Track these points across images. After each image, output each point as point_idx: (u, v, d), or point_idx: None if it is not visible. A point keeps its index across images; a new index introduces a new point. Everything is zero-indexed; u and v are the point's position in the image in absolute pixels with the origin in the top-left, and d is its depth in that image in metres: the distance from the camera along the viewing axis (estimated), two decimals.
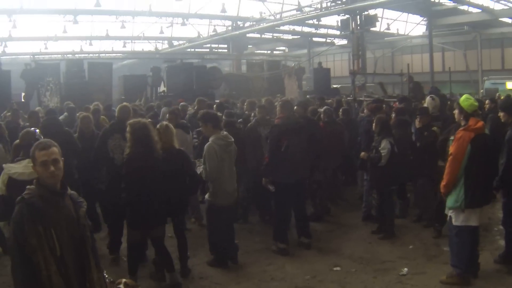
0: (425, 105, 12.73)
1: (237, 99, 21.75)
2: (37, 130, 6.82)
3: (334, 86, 33.63)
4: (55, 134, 9.38)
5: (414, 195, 11.67)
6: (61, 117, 13.85)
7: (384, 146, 9.86)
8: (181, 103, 16.12)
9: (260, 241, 10.10)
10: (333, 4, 34.31)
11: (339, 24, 37.06)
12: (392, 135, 10.15)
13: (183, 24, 42.00)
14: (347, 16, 33.36)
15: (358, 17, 32.64)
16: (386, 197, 10.29)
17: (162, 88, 29.09)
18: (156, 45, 51.53)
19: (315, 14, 37.25)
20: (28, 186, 4.22)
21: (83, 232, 4.30)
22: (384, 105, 13.58)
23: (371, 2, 31.77)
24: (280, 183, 9.31)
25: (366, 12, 32.89)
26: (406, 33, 48.12)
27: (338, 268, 8.64)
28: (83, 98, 21.70)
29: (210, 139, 8.45)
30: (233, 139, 8.70)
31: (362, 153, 10.54)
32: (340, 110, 13.92)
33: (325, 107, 13.26)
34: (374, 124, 10.32)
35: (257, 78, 33.23)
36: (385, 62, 48.81)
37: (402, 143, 10.48)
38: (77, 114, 12.55)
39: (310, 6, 38.42)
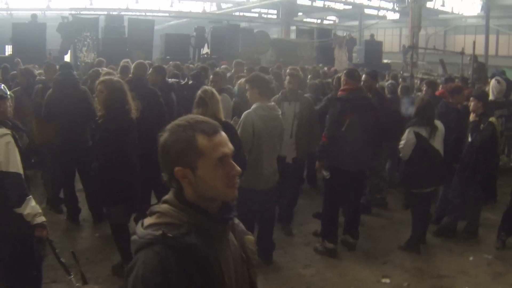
0: (490, 88, 11.05)
1: (284, 66, 20.36)
2: (3, 86, 5.36)
3: (385, 61, 31.89)
4: (70, 93, 8.22)
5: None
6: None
7: (404, 137, 7.97)
8: (223, 66, 14.72)
9: (297, 235, 8.71)
10: None
11: None
12: (429, 124, 7.94)
13: None
14: None
15: None
16: (412, 202, 8.49)
17: (205, 49, 27.80)
18: (204, 6, 50.12)
19: None
20: (157, 208, 2.31)
21: (254, 276, 2.58)
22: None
23: None
24: (337, 169, 7.75)
25: None
26: (460, 12, 45.76)
27: (387, 280, 7.16)
28: (121, 55, 20.47)
29: (252, 107, 7.01)
30: (280, 113, 7.27)
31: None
32: (399, 87, 12.27)
33: (389, 81, 11.79)
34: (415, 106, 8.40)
35: (306, 46, 31.54)
36: (437, 40, 46.44)
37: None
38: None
39: None
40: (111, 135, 6.48)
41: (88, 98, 8.58)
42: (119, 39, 24.75)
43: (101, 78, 7.00)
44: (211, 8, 49.83)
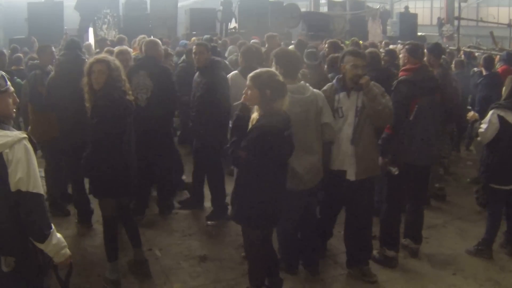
0: None
1: (315, 40, 19.05)
2: (1, 74, 4.04)
3: (420, 33, 30.38)
4: (75, 78, 6.78)
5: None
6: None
7: (486, 120, 6.51)
8: (253, 40, 13.32)
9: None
10: None
11: None
12: None
13: None
14: None
15: None
16: (490, 199, 6.90)
17: (233, 24, 26.52)
18: None
19: None
20: None
21: None
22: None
23: None
24: (406, 165, 6.32)
25: None
26: None
27: None
28: (144, 32, 19.27)
29: None
30: (311, 93, 5.63)
31: (471, 113, 7.38)
32: (453, 61, 10.90)
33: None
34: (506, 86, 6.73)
35: (338, 19, 29.91)
36: (469, 12, 44.53)
37: None
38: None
39: None
40: (106, 119, 5.54)
41: None
42: (141, 16, 23.53)
43: (99, 56, 5.91)
44: None
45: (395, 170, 6.33)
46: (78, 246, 7.05)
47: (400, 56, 6.83)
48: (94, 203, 7.19)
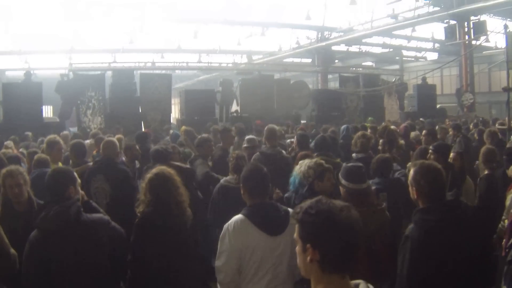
0: None
1: (327, 122, 16.89)
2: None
3: (438, 105, 28.68)
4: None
5: None
6: None
7: None
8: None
9: None
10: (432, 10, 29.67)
11: (434, 36, 34.86)
12: None
13: (262, 34, 37.08)
14: (454, 22, 28.04)
15: (466, 23, 27.46)
16: None
17: (234, 107, 24.14)
18: (234, 59, 46.66)
19: (411, 21, 31.79)
20: None
21: None
22: None
23: (484, 4, 25.91)
24: None
25: (475, 18, 27.51)
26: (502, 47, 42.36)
27: None
28: (133, 118, 18.93)
29: None
30: None
31: None
32: None
33: None
34: None
35: (351, 96, 27.72)
36: (481, 79, 42.96)
37: None
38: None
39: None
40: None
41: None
42: (130, 98, 21.42)
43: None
44: (241, 59, 46.57)
45: None
46: None
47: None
48: None
